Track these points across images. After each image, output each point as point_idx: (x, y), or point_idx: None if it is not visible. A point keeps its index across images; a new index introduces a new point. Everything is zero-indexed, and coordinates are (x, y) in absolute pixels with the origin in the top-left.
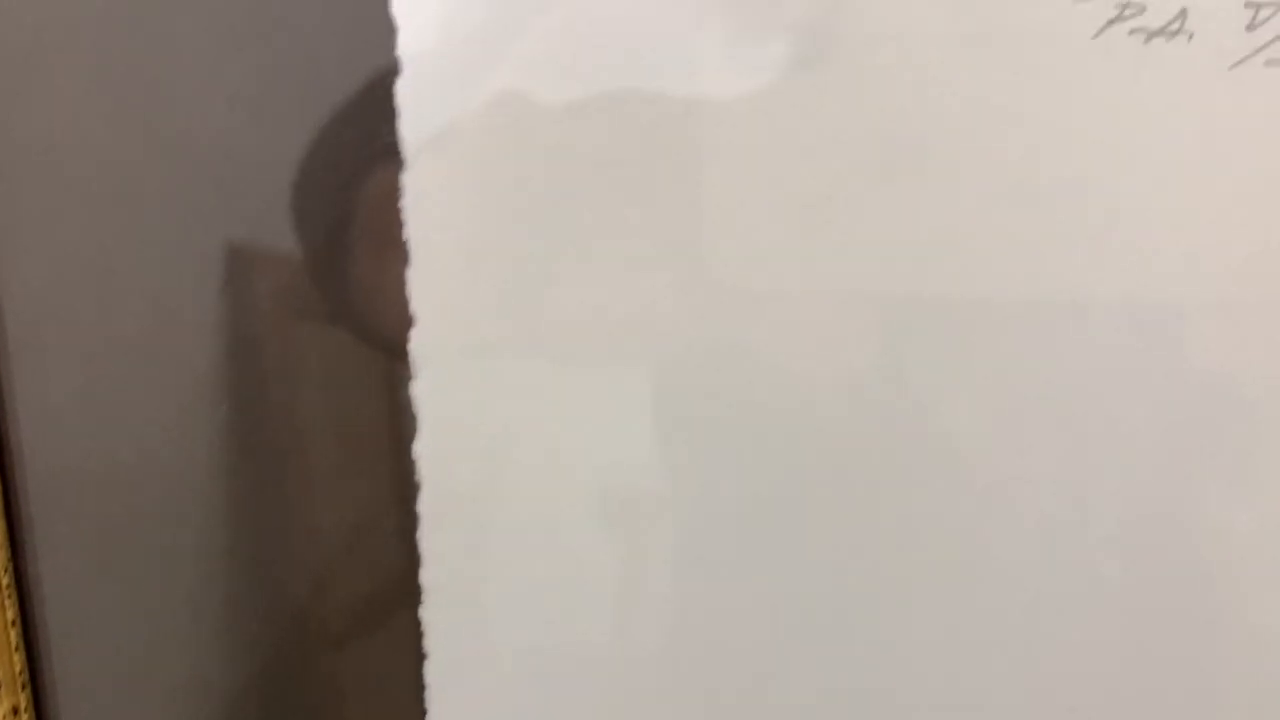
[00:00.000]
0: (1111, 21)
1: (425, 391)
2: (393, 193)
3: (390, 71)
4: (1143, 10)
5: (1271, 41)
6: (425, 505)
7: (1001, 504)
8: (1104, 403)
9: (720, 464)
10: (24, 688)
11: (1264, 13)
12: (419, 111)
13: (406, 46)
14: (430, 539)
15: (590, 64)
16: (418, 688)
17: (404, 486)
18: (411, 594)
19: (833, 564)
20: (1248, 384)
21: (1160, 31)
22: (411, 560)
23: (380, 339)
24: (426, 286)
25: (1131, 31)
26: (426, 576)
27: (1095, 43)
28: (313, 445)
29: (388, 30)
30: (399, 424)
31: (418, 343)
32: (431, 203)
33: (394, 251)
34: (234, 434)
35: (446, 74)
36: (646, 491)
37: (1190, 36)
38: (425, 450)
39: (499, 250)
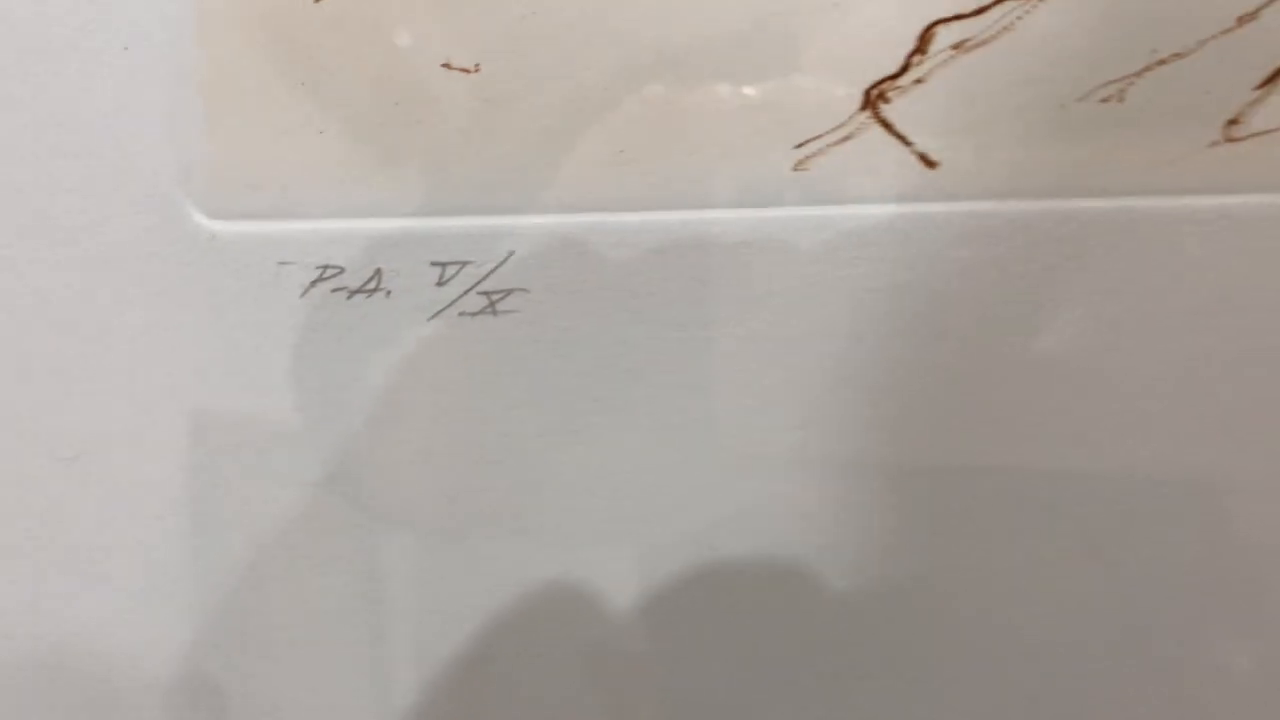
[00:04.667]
0: (315, 281)
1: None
2: None
3: None
4: (341, 271)
5: (462, 295)
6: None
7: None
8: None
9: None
10: None
11: (450, 270)
12: None
13: None
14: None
15: None
16: None
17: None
18: None
19: None
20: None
21: (360, 289)
22: None
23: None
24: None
25: (334, 290)
26: None
27: (303, 301)
28: None
29: None
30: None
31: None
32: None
33: None
34: None
35: None
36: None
37: (388, 293)
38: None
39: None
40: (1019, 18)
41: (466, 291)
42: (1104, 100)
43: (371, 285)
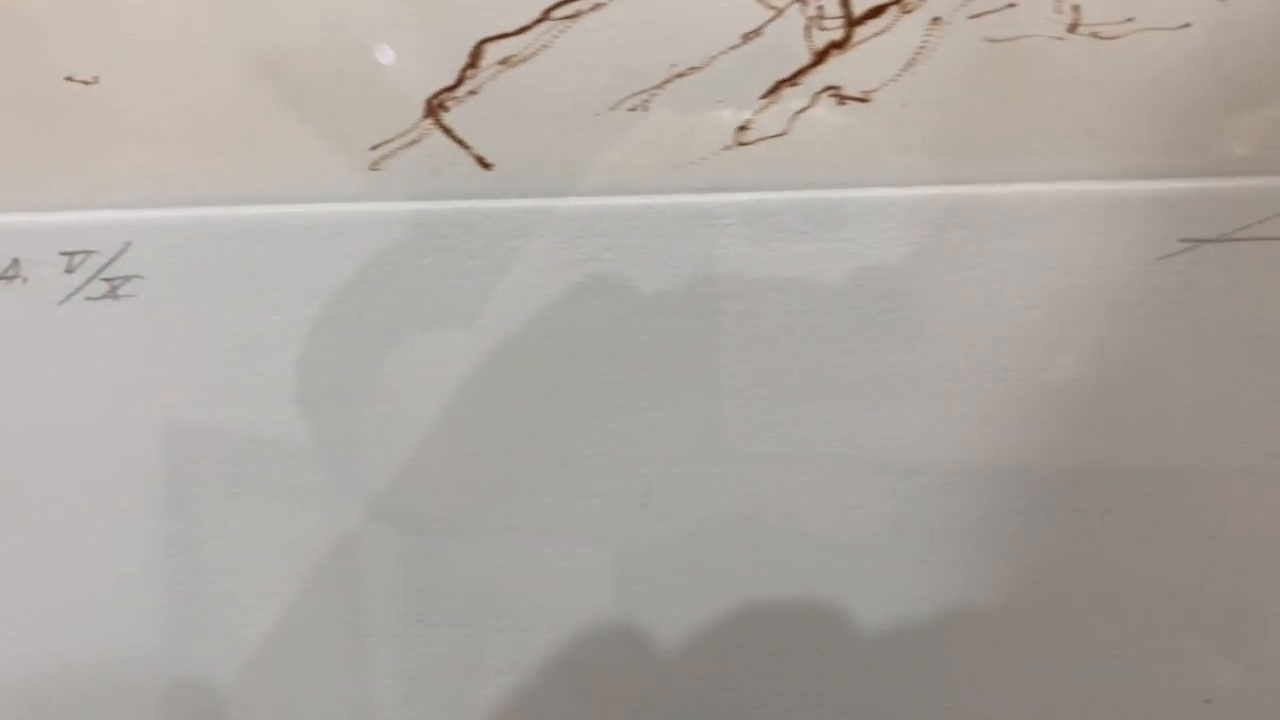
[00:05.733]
0: None
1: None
2: None
3: None
4: None
5: (87, 282)
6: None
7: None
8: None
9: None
10: None
11: (77, 259)
12: None
13: None
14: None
15: None
16: None
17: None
18: None
19: None
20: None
21: (2, 277)
22: None
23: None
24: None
25: None
26: None
27: None
28: None
29: None
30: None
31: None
32: None
33: None
34: None
35: None
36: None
37: (25, 280)
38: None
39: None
40: (555, 37)
41: (91, 279)
42: (631, 110)
43: (11, 273)
